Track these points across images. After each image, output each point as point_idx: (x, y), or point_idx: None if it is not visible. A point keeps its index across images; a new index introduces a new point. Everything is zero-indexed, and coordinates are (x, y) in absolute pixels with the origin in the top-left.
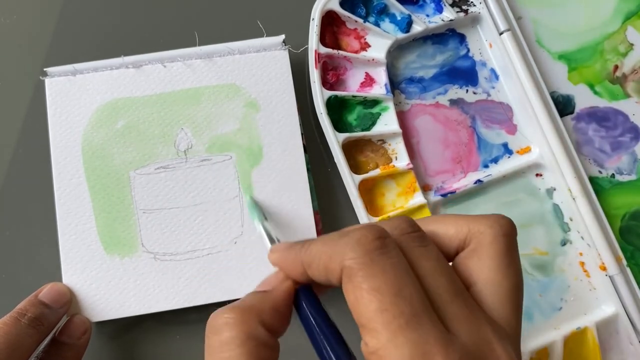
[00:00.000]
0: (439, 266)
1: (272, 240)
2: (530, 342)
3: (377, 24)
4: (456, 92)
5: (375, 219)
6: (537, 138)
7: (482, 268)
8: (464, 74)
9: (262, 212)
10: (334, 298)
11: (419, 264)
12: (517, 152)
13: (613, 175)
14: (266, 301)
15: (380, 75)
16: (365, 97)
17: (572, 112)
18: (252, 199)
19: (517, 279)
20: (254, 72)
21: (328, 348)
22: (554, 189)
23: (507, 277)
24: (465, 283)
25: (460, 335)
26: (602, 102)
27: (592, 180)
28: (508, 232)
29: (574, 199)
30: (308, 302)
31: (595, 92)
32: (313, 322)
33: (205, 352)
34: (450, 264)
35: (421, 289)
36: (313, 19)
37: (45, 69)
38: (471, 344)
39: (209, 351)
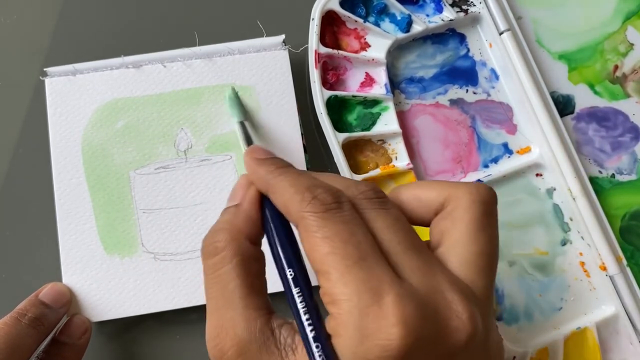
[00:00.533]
0: (396, 223)
1: (249, 140)
2: (530, 342)
3: (377, 24)
4: (456, 92)
5: None
6: (537, 138)
7: (453, 230)
8: (464, 73)
9: (245, 110)
10: None
11: (374, 222)
12: (517, 152)
13: (613, 175)
14: (239, 214)
15: (380, 75)
16: (365, 97)
17: (572, 112)
18: (233, 90)
19: (488, 245)
20: (254, 72)
21: (280, 248)
22: (554, 189)
23: (476, 241)
24: (435, 244)
25: (412, 280)
26: (602, 102)
27: (592, 180)
28: (485, 199)
29: (574, 199)
30: (269, 208)
31: (596, 92)
32: (271, 225)
33: (203, 274)
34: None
35: (372, 239)
36: (313, 18)
37: (45, 69)
38: (422, 289)
39: (206, 272)
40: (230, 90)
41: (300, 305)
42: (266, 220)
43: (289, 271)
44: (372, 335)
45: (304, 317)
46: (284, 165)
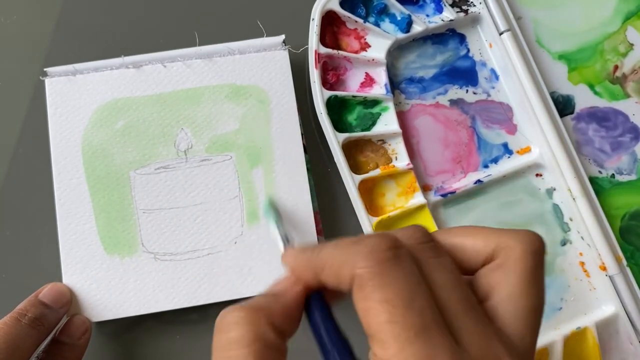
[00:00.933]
0: (452, 278)
1: (285, 243)
2: None
3: (377, 24)
4: (456, 92)
5: (375, 219)
6: (537, 138)
7: (505, 283)
8: (464, 74)
9: (279, 214)
10: (344, 304)
11: (432, 275)
12: (517, 152)
13: (613, 176)
14: (277, 303)
15: (380, 75)
16: (365, 97)
17: (572, 112)
18: (270, 199)
19: (539, 299)
20: (254, 72)
21: (336, 356)
22: (554, 189)
23: (528, 295)
24: (484, 296)
25: (470, 349)
26: (602, 102)
27: (592, 180)
28: (538, 249)
29: (574, 199)
30: (318, 308)
31: (595, 92)
32: (322, 329)
33: (212, 350)
34: (474, 276)
35: (433, 301)
36: (313, 19)
37: (45, 69)
38: (480, 358)
39: (216, 349)
40: (267, 198)
41: None
42: (315, 323)
43: None
44: None
45: None
46: (324, 244)
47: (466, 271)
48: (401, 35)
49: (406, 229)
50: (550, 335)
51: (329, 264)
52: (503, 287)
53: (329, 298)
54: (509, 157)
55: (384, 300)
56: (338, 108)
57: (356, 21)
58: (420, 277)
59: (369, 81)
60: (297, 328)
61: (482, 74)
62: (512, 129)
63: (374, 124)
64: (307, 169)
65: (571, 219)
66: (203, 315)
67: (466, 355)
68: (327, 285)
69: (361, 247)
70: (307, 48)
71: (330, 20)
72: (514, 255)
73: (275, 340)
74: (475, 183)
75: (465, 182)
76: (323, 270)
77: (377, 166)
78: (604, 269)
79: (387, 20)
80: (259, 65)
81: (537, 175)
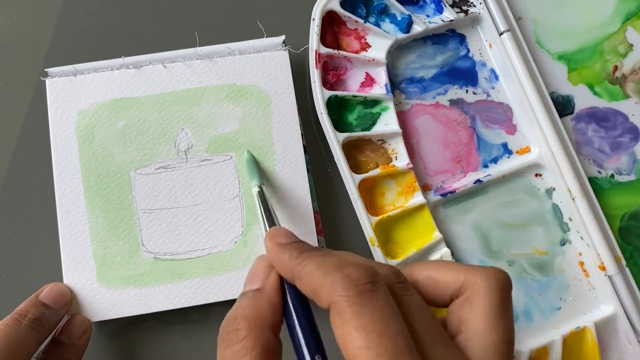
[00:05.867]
0: (423, 312)
1: (268, 216)
2: (529, 342)
3: (377, 24)
4: (456, 92)
5: (375, 219)
6: (537, 138)
7: (473, 318)
8: (464, 74)
9: (262, 175)
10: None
11: (406, 308)
12: (517, 152)
13: (612, 176)
14: (262, 300)
15: (381, 75)
16: (366, 97)
17: (571, 113)
18: (250, 155)
19: (507, 333)
20: (254, 73)
21: (302, 338)
22: (554, 189)
23: (496, 330)
24: (454, 330)
25: None
26: (601, 103)
27: (592, 180)
28: (503, 286)
29: (573, 199)
30: (291, 294)
31: (595, 93)
32: (293, 312)
33: None
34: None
35: (407, 330)
36: (313, 19)
37: (46, 70)
38: None
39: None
40: (247, 153)
41: None
42: (287, 306)
43: (317, 357)
44: None
45: None
46: (308, 249)
47: (438, 304)
48: (401, 36)
49: (383, 266)
50: (550, 334)
51: (308, 279)
52: (471, 323)
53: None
54: (508, 157)
55: (360, 327)
56: (338, 108)
57: (356, 21)
58: (395, 309)
59: (369, 81)
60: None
61: (482, 74)
62: (512, 129)
63: (374, 123)
64: (307, 169)
65: (570, 219)
66: (203, 315)
67: None
68: (301, 291)
69: (343, 275)
70: (308, 48)
71: (330, 21)
72: (481, 291)
73: (271, 338)
74: (475, 183)
75: (465, 182)
76: (301, 281)
77: (377, 166)
78: (603, 268)
79: (387, 20)
80: (259, 65)
81: (536, 175)
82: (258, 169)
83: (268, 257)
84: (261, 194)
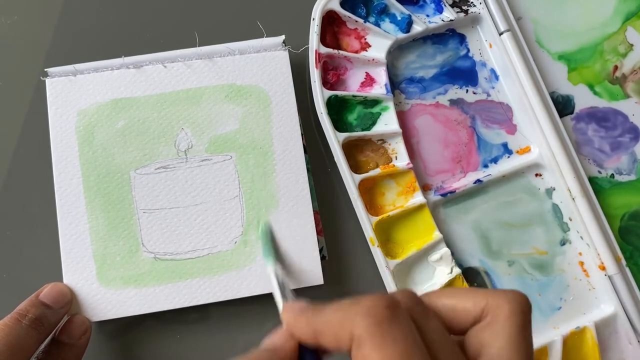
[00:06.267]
0: (444, 338)
1: (282, 293)
2: None
3: (377, 24)
4: (456, 92)
5: (375, 219)
6: (537, 138)
7: (495, 342)
8: (464, 74)
9: (276, 251)
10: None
11: (427, 335)
12: (517, 152)
13: (612, 176)
14: (274, 359)
15: (381, 75)
16: (366, 97)
17: (571, 112)
18: (267, 228)
19: (527, 356)
20: (254, 73)
21: None
22: (554, 189)
23: (518, 353)
24: (475, 354)
25: None
26: (601, 103)
27: (592, 180)
28: (525, 309)
29: (573, 199)
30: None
31: (595, 93)
32: None
33: None
34: (464, 336)
35: (429, 358)
36: (313, 18)
37: (46, 69)
38: None
39: None
40: (264, 226)
41: None
42: None
43: None
44: None
45: None
46: (323, 307)
47: (456, 331)
48: (401, 35)
49: (399, 292)
50: (550, 334)
51: (328, 326)
52: (493, 345)
53: (320, 352)
54: (508, 157)
55: (382, 359)
56: (338, 108)
57: (356, 21)
58: (417, 337)
59: (369, 81)
60: None
61: (482, 74)
62: (512, 129)
63: (374, 123)
64: (307, 169)
65: (570, 219)
66: (203, 315)
67: None
68: (326, 347)
69: (360, 307)
70: (308, 48)
71: (330, 20)
72: (503, 314)
73: None
74: (475, 183)
75: (465, 182)
76: (322, 334)
77: (377, 166)
78: (603, 268)
79: (387, 20)
80: (259, 65)
81: (536, 175)
82: (272, 245)
83: (287, 328)
84: (277, 276)
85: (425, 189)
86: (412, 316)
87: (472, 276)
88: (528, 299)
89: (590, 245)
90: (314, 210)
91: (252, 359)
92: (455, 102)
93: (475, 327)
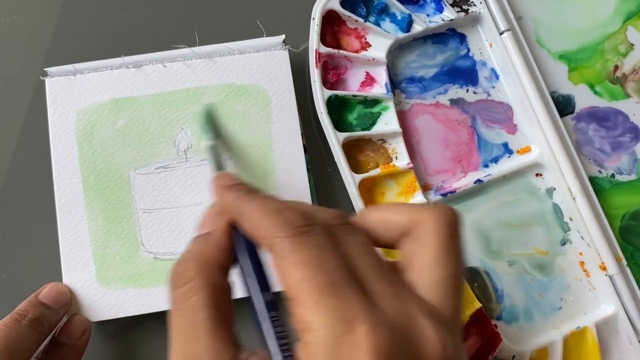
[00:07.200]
0: (364, 249)
1: (218, 165)
2: (529, 342)
3: (377, 24)
4: (456, 91)
5: None
6: (537, 138)
7: (421, 255)
8: (464, 73)
9: (218, 129)
10: None
11: (344, 246)
12: (517, 151)
13: (613, 175)
14: (210, 243)
15: (381, 75)
16: (366, 97)
17: (572, 112)
18: (210, 108)
19: (455, 267)
20: (254, 72)
21: (254, 274)
22: (554, 189)
23: (444, 265)
24: (404, 267)
25: (384, 308)
26: (602, 102)
27: (592, 180)
28: (450, 221)
29: (573, 198)
30: (239, 236)
31: (596, 92)
32: (242, 252)
33: (170, 304)
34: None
35: (344, 265)
36: (313, 18)
37: (45, 69)
38: (395, 315)
39: (173, 301)
40: (205, 107)
41: (277, 330)
42: (237, 249)
43: (265, 295)
44: None
45: (280, 342)
46: (252, 191)
47: (389, 245)
48: (401, 35)
49: (326, 210)
50: (550, 334)
51: (249, 218)
52: (419, 258)
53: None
54: (509, 156)
55: (297, 262)
56: (338, 107)
57: (357, 20)
58: (332, 247)
59: (369, 80)
60: (232, 256)
61: (483, 74)
62: (512, 129)
63: (374, 123)
64: (307, 169)
65: (571, 219)
66: None
67: (380, 312)
68: (242, 229)
69: (281, 218)
70: (308, 48)
71: (330, 20)
72: (428, 228)
73: (219, 278)
74: (475, 182)
75: (465, 182)
76: (241, 219)
77: (377, 165)
78: (604, 268)
79: (387, 19)
80: (259, 65)
81: (537, 175)
82: (216, 125)
83: (216, 201)
84: (214, 150)
85: (425, 188)
86: (332, 231)
87: (472, 276)
88: (455, 212)
89: (590, 245)
90: None
91: (194, 251)
92: (456, 102)
93: (405, 240)
